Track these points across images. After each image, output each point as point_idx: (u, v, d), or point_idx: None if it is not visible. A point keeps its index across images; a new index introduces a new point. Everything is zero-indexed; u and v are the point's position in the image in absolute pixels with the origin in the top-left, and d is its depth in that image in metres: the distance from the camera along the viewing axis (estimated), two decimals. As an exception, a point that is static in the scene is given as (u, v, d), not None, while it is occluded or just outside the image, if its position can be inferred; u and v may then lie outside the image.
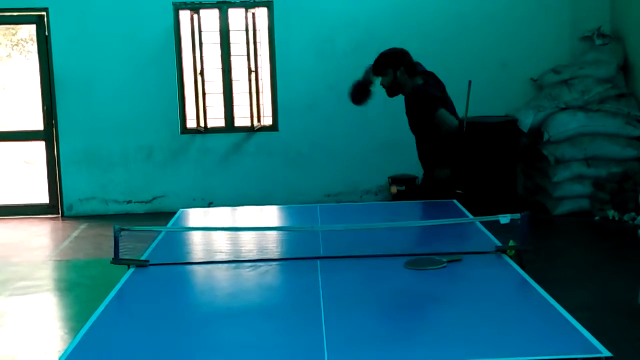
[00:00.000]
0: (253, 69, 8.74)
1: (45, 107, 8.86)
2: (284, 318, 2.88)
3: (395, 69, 5.08)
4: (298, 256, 3.65)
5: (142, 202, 8.94)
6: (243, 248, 3.97)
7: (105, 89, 8.74)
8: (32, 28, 9.11)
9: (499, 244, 3.64)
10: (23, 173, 11.66)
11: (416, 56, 5.26)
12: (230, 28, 8.79)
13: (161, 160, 8.91)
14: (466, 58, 8.62)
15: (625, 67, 8.53)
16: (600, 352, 2.41)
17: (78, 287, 6.30)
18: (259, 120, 8.86)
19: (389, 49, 5.23)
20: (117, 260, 3.52)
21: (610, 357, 2.39)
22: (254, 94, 8.77)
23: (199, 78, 8.72)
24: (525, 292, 3.12)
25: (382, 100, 5.45)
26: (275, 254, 3.81)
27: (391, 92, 5.19)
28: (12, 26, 11.42)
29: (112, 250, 3.54)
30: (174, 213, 4.85)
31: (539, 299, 2.95)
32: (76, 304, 5.89)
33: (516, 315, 2.84)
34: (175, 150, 8.90)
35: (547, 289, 3.04)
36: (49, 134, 8.90)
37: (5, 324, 5.44)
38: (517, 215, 3.47)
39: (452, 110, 5.08)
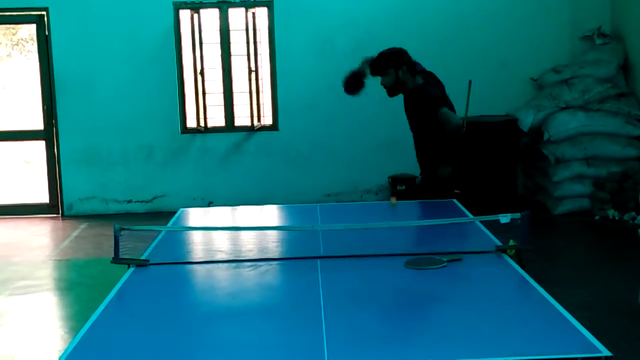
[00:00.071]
0: (253, 68, 8.73)
1: (45, 107, 8.86)
2: (284, 317, 2.88)
3: (397, 68, 5.08)
4: (298, 256, 3.65)
5: (142, 201, 8.93)
6: (243, 248, 3.98)
7: (106, 88, 8.74)
8: (32, 28, 9.10)
9: (499, 243, 3.64)
10: (23, 173, 11.65)
11: (416, 56, 5.26)
12: (231, 28, 8.78)
13: (161, 159, 8.90)
14: (466, 58, 8.62)
15: (625, 67, 8.53)
16: (600, 352, 2.41)
17: (78, 286, 6.30)
18: (259, 120, 8.86)
19: (388, 49, 5.22)
20: (117, 259, 3.53)
21: (610, 357, 2.39)
22: (254, 93, 8.77)
23: (199, 78, 8.72)
24: (525, 291, 3.12)
25: (382, 100, 5.45)
26: (275, 254, 3.81)
27: (392, 91, 5.18)
28: (12, 26, 11.41)
29: (112, 249, 3.54)
30: (174, 212, 4.86)
31: (539, 298, 2.95)
32: (76, 303, 5.89)
33: (516, 314, 2.84)
34: (176, 149, 8.89)
35: (547, 288, 3.04)
36: (49, 134, 8.89)
37: (5, 323, 5.43)
38: (517, 215, 3.48)
39: (452, 111, 5.08)
